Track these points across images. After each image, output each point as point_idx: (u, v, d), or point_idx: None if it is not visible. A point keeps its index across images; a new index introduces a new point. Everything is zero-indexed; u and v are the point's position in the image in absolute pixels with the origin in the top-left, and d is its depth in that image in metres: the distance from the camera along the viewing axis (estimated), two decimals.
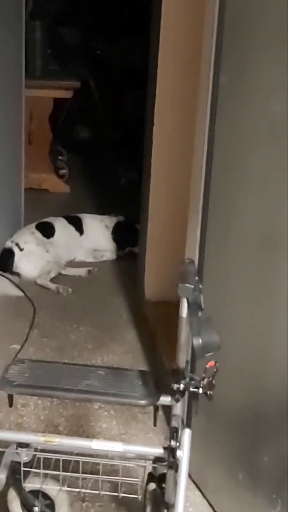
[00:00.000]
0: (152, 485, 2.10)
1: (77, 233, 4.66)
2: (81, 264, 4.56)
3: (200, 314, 1.66)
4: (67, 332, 3.63)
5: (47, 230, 4.52)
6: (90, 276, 4.40)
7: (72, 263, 4.56)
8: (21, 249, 4.31)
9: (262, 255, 2.06)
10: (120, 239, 4.70)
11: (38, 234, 4.46)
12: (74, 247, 4.63)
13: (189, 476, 2.47)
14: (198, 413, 2.24)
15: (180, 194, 3.19)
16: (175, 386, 1.81)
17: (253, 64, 2.04)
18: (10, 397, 1.93)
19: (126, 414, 2.89)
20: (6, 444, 2.11)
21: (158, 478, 2.07)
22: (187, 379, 1.80)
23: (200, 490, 2.49)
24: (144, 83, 3.79)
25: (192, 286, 1.64)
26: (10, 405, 1.94)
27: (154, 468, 2.06)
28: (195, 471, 2.50)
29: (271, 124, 1.97)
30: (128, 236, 4.66)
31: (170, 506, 1.98)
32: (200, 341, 1.57)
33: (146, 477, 2.08)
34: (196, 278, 1.70)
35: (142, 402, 1.87)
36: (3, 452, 2.11)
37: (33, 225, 4.54)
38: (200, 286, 1.71)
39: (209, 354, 1.60)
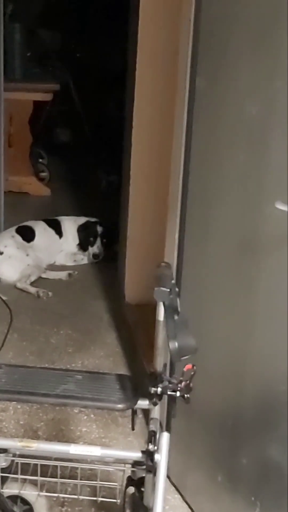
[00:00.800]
0: (131, 489, 2.10)
1: (56, 237, 4.66)
2: (62, 268, 4.55)
3: (176, 317, 1.66)
4: (47, 335, 3.62)
5: (27, 234, 4.51)
6: (71, 279, 4.39)
7: (52, 267, 4.55)
8: (1, 253, 4.29)
9: (239, 258, 2.06)
10: (81, 240, 4.70)
11: (18, 238, 4.44)
12: (54, 250, 4.62)
13: (169, 479, 2.48)
14: (177, 416, 2.25)
15: (160, 197, 3.20)
16: (153, 389, 1.81)
17: (229, 67, 2.04)
18: None
19: (106, 418, 2.89)
20: None
21: (137, 482, 2.07)
22: (165, 382, 1.80)
23: (180, 493, 2.49)
24: (124, 85, 3.79)
25: (168, 290, 1.64)
26: None
27: (133, 472, 2.06)
28: (175, 474, 2.50)
29: (247, 128, 1.98)
30: (87, 236, 4.67)
31: (149, 509, 1.98)
32: (176, 344, 1.57)
33: (125, 481, 2.08)
34: (173, 281, 1.70)
35: (120, 406, 1.87)
36: None
37: (13, 228, 4.53)
38: (177, 289, 1.71)
39: (185, 357, 1.60)
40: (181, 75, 2.38)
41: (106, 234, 4.66)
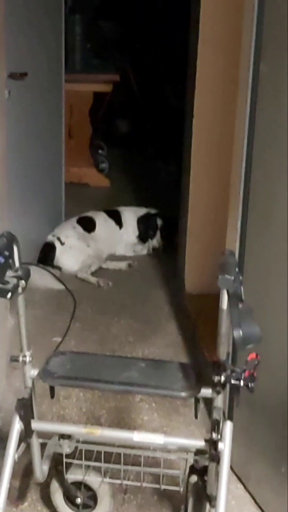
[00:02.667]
0: (194, 478, 2.10)
1: (117, 227, 4.68)
2: (122, 258, 4.57)
3: (240, 305, 1.64)
4: (108, 325, 3.64)
5: (88, 225, 4.55)
6: (131, 270, 4.41)
7: (112, 257, 4.57)
8: (62, 243, 4.34)
9: None
10: (141, 229, 4.70)
11: (79, 229, 4.48)
12: (114, 241, 4.64)
13: (232, 469, 2.47)
14: (240, 406, 2.24)
15: (220, 186, 3.17)
16: (216, 378, 1.80)
17: None
18: (52, 389, 1.95)
19: (167, 407, 2.89)
20: (48, 435, 2.14)
21: (200, 471, 2.06)
22: (228, 371, 1.79)
23: (243, 483, 2.48)
24: (184, 76, 3.77)
25: (232, 277, 1.62)
26: (52, 396, 1.96)
27: (195, 460, 2.05)
28: (237, 464, 2.49)
29: None
30: (147, 229, 4.66)
31: (212, 499, 1.97)
32: (241, 332, 1.56)
33: (187, 470, 2.08)
34: (236, 269, 1.68)
35: (183, 394, 1.86)
36: (45, 444, 2.14)
37: (74, 219, 4.57)
38: (240, 277, 1.69)
39: (250, 346, 1.58)
40: (244, 61, 2.35)
41: (165, 227, 4.64)
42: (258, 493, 2.39)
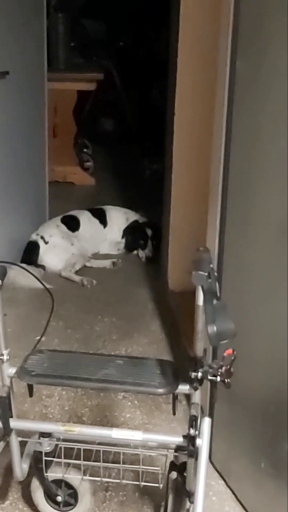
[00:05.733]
0: (174, 474, 2.11)
1: (101, 226, 4.68)
2: (106, 256, 4.57)
3: (215, 302, 1.65)
4: (91, 323, 3.64)
5: (72, 223, 4.55)
6: (115, 268, 4.42)
7: (96, 255, 4.57)
8: (46, 242, 4.34)
9: (280, 242, 2.04)
10: (129, 239, 4.67)
11: (63, 227, 4.48)
12: (98, 240, 4.65)
13: (212, 465, 2.49)
14: (220, 402, 2.25)
15: (201, 184, 3.17)
16: (193, 374, 1.80)
17: (271, 49, 2.02)
18: (30, 387, 1.95)
19: (150, 404, 2.90)
20: (29, 434, 2.14)
21: (179, 467, 2.07)
22: (205, 367, 1.80)
23: (224, 479, 2.49)
24: (167, 74, 3.78)
25: (206, 274, 1.63)
26: (30, 395, 1.96)
27: (175, 457, 2.06)
28: (218, 461, 2.50)
29: None
30: (137, 239, 4.63)
31: (191, 494, 1.98)
32: (215, 328, 1.57)
33: (168, 466, 2.09)
34: (211, 265, 1.69)
35: (160, 390, 1.87)
36: (26, 442, 2.14)
37: (58, 218, 4.57)
38: (216, 274, 1.70)
39: (224, 341, 1.59)
40: (221, 59, 2.36)
41: (155, 236, 4.52)
42: (239, 489, 2.41)
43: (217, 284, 1.70)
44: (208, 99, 2.75)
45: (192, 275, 1.63)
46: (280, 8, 1.94)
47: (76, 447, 2.07)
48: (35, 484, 2.23)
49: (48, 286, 3.99)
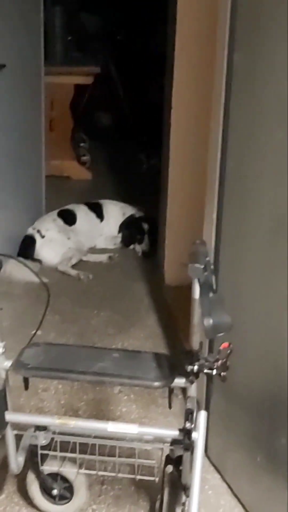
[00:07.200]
0: (170, 468, 2.11)
1: (98, 220, 4.67)
2: (102, 251, 4.56)
3: (211, 295, 1.64)
4: (88, 317, 3.64)
5: (68, 218, 4.53)
6: (111, 262, 4.41)
7: (93, 250, 4.56)
8: (42, 236, 4.33)
9: (277, 236, 2.04)
10: (125, 234, 4.67)
11: (59, 222, 4.47)
12: (95, 234, 4.63)
13: (208, 459, 2.49)
14: (217, 396, 2.25)
15: (198, 178, 3.16)
16: (189, 367, 1.80)
17: (268, 41, 2.01)
18: (26, 380, 1.95)
19: (146, 398, 2.89)
20: (25, 427, 2.14)
21: (175, 461, 2.07)
22: (201, 361, 1.79)
23: (220, 473, 2.49)
24: (165, 68, 3.77)
25: (202, 266, 1.63)
26: (26, 388, 1.95)
27: (171, 450, 2.06)
28: (214, 454, 2.50)
29: (286, 104, 1.94)
30: (133, 234, 4.62)
31: (187, 488, 1.98)
32: (211, 321, 1.56)
33: (163, 460, 2.09)
34: (207, 258, 1.69)
35: (156, 384, 1.87)
36: (21, 436, 2.14)
37: (55, 212, 4.56)
38: (212, 267, 1.70)
39: (220, 334, 1.59)
40: (219, 53, 2.35)
41: (152, 231, 4.50)
42: (235, 483, 2.41)
43: (213, 277, 1.70)
44: (205, 93, 2.74)
45: (188, 268, 1.62)
46: (277, 2, 1.94)
47: (71, 440, 2.07)
48: (31, 477, 2.23)
49: (44, 280, 3.98)
